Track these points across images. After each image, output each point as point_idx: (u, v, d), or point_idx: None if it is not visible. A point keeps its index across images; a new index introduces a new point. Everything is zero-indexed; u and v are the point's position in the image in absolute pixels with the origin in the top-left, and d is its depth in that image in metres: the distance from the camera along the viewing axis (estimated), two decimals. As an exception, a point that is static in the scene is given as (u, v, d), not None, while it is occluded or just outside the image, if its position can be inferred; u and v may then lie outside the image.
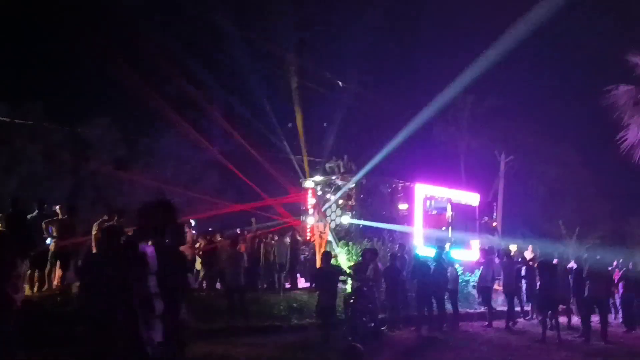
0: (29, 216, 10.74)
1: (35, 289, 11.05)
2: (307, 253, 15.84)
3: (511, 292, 13.21)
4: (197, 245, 13.40)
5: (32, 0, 24.68)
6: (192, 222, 14.86)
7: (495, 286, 14.15)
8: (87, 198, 22.41)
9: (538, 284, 12.00)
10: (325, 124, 26.42)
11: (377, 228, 16.92)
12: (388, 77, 32.01)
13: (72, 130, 23.36)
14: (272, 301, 12.00)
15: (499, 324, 12.94)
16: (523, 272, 13.47)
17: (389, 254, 13.11)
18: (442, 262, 12.71)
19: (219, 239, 13.75)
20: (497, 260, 13.62)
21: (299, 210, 18.54)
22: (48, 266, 10.57)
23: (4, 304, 4.68)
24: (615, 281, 13.11)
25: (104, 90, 24.00)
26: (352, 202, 17.65)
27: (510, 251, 14.55)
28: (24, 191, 19.46)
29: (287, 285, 14.52)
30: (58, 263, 10.64)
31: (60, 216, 10.96)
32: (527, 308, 14.26)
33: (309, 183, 18.34)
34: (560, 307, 12.12)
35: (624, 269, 13.14)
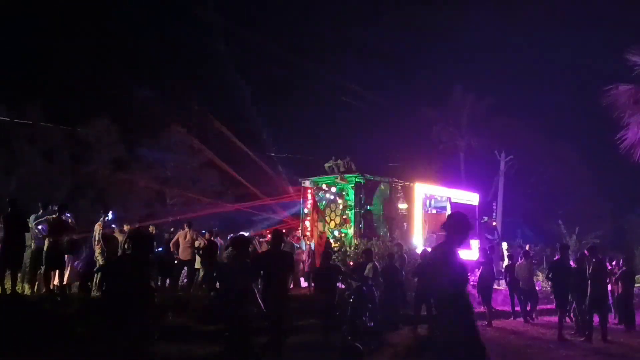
0: (32, 216, 10.73)
1: (35, 289, 11.04)
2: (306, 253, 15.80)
3: (530, 291, 13.51)
4: (198, 244, 13.37)
5: (32, 0, 24.68)
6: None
7: (496, 286, 14.12)
8: (87, 198, 22.36)
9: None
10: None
11: (375, 227, 16.92)
12: (388, 76, 32.06)
13: (72, 130, 23.33)
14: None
15: (499, 323, 12.93)
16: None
17: (387, 253, 13.07)
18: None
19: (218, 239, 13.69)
20: (520, 260, 13.78)
21: (298, 210, 18.52)
22: (44, 266, 10.45)
23: (147, 302, 5.50)
24: (615, 280, 13.11)
25: (104, 90, 23.99)
26: (351, 202, 17.60)
27: (529, 252, 14.66)
28: (23, 192, 19.44)
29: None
30: (51, 262, 10.48)
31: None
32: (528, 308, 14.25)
33: (308, 183, 18.28)
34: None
35: (623, 268, 13.11)
